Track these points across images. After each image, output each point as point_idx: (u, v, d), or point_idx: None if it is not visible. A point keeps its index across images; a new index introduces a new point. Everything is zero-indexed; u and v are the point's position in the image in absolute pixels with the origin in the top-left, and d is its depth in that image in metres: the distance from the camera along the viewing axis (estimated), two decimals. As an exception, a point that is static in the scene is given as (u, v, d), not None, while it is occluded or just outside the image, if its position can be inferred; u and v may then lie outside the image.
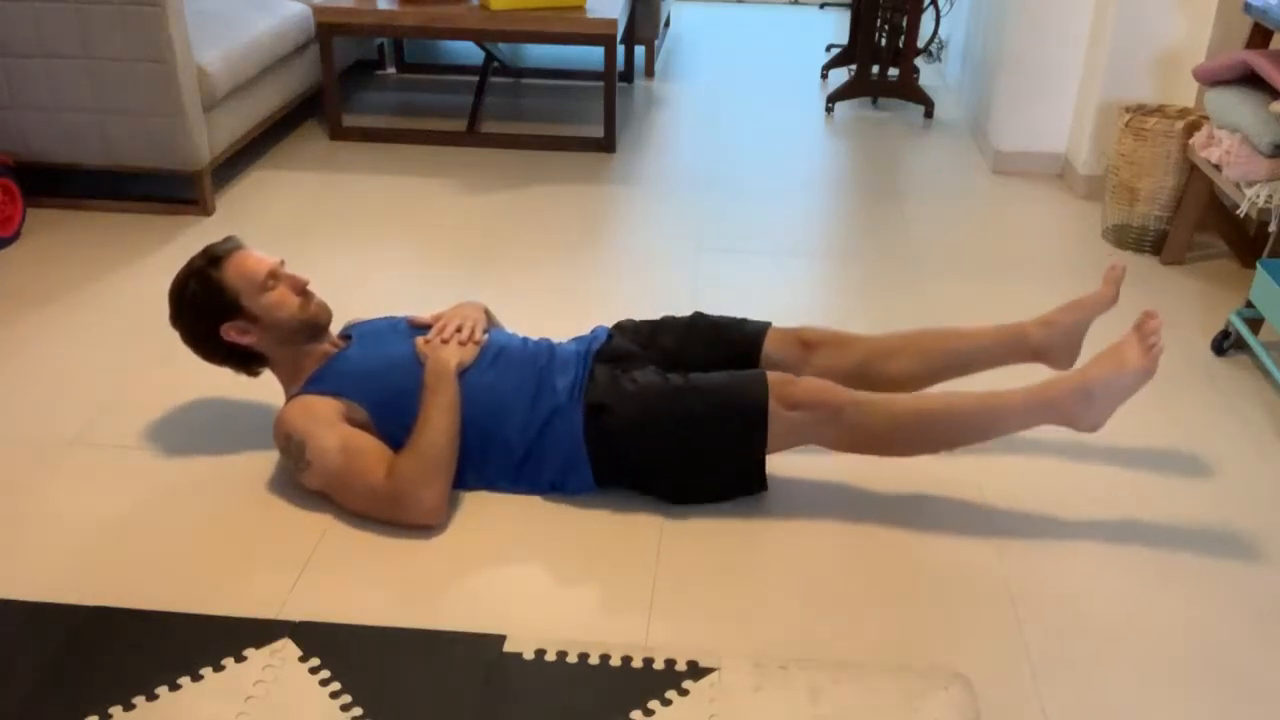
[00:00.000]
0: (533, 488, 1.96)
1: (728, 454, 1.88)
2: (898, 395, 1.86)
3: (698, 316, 2.14)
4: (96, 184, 3.27)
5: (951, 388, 2.01)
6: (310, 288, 1.97)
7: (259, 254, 1.95)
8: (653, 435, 1.87)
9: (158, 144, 3.03)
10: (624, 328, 2.14)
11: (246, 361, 1.99)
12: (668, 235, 3.12)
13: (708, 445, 1.87)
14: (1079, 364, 1.94)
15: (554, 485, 1.96)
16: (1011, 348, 2.02)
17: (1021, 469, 2.08)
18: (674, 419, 1.86)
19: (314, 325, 1.96)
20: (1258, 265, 2.36)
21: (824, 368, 2.03)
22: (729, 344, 2.07)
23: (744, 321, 2.11)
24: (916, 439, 1.86)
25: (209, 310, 1.91)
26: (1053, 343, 2.02)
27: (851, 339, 2.06)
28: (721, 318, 2.13)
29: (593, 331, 2.14)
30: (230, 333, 1.92)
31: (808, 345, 2.05)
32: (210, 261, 1.92)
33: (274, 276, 1.92)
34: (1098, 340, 2.58)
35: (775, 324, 2.12)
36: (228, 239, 1.96)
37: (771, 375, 1.87)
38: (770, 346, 2.06)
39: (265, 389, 2.23)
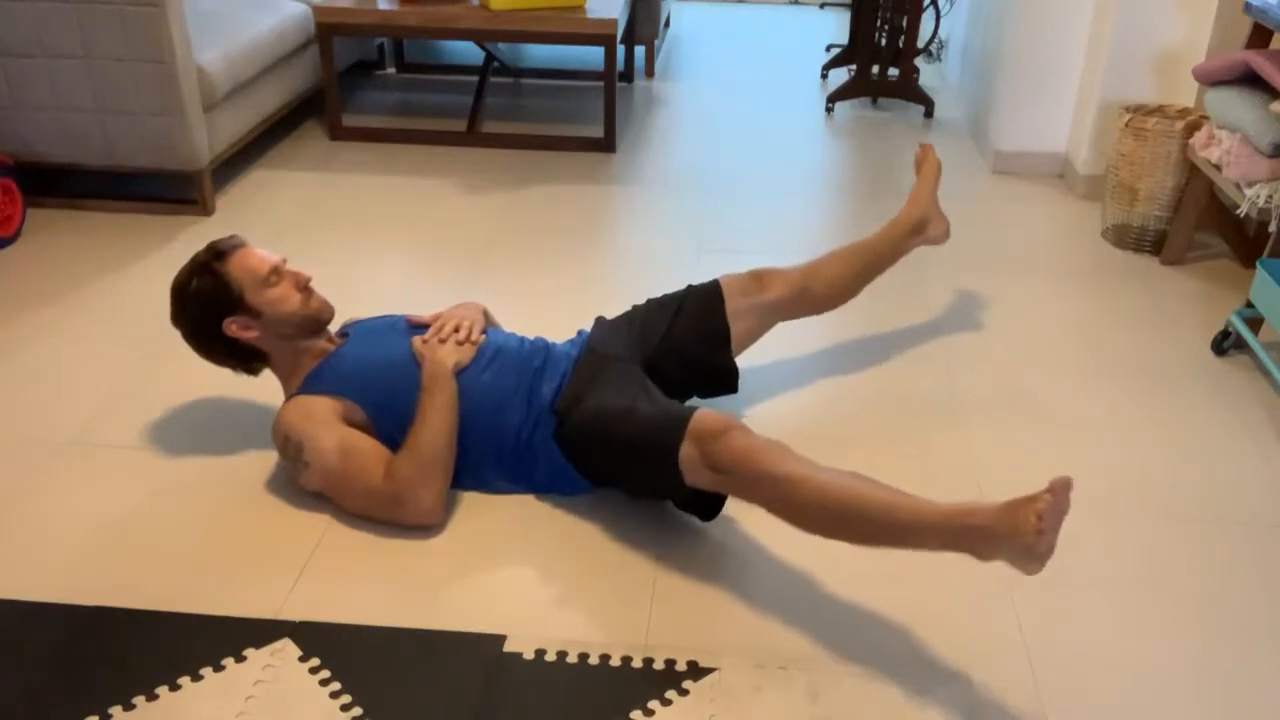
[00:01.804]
0: (529, 488, 1.97)
1: (650, 483, 1.85)
2: (821, 480, 1.64)
3: (656, 299, 2.20)
4: (96, 184, 3.27)
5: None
6: (312, 284, 1.98)
7: (262, 251, 1.95)
8: (593, 451, 1.89)
9: (158, 144, 3.03)
10: (601, 325, 2.15)
11: (247, 359, 1.99)
12: (668, 235, 3.12)
13: (632, 472, 1.86)
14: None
15: (549, 486, 1.96)
16: (900, 231, 2.40)
17: (1021, 469, 2.08)
18: (606, 442, 1.85)
19: (316, 321, 1.97)
20: (1258, 265, 2.36)
21: (777, 289, 2.21)
22: (695, 308, 2.14)
23: (693, 286, 2.20)
24: (831, 529, 1.66)
25: (212, 305, 1.91)
26: (923, 214, 2.43)
27: (791, 266, 2.27)
28: (675, 292, 2.21)
29: (579, 333, 2.15)
30: (233, 328, 1.92)
31: (758, 278, 2.21)
32: (215, 256, 1.92)
33: (277, 272, 1.92)
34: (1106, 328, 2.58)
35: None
36: (231, 237, 1.97)
37: (704, 425, 1.72)
38: (730, 283, 2.19)
39: (265, 389, 2.24)
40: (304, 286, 1.95)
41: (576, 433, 1.90)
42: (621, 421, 1.83)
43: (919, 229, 2.44)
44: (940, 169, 2.52)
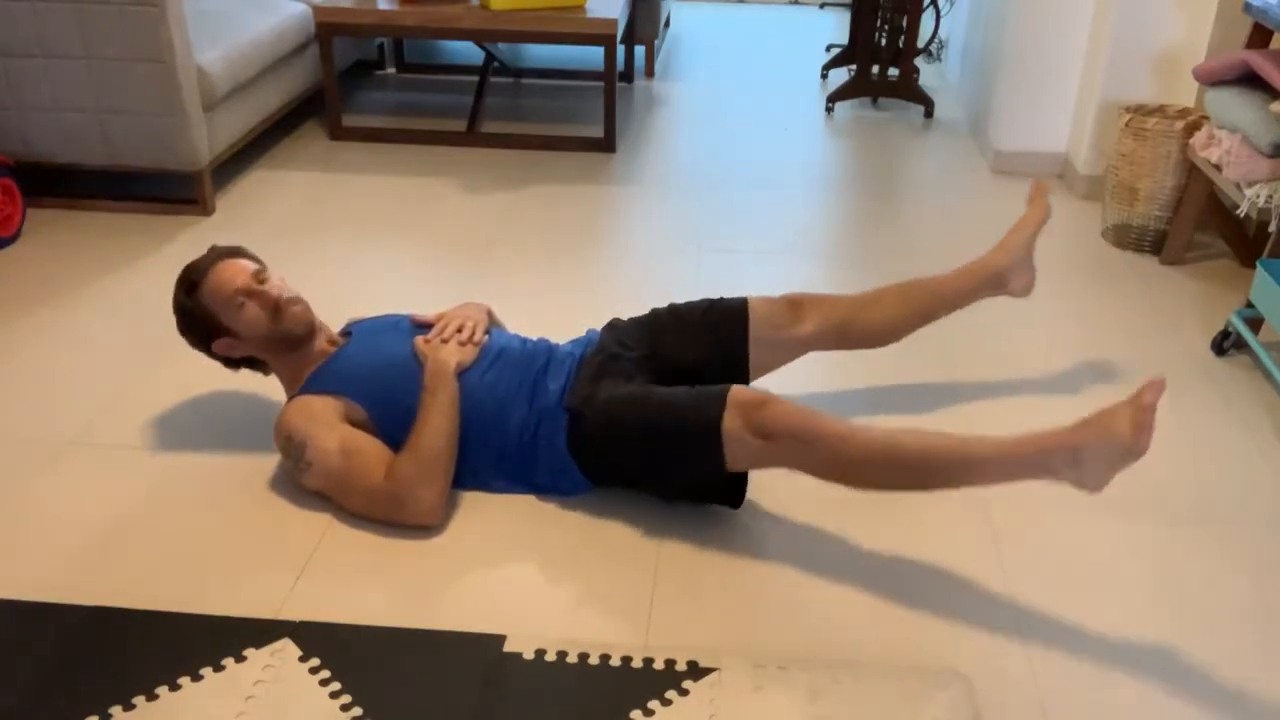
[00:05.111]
0: (530, 488, 1.96)
1: (686, 467, 1.82)
2: (876, 431, 1.71)
3: (679, 307, 2.13)
4: (96, 184, 3.27)
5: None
6: (286, 297, 1.95)
7: (237, 264, 1.95)
8: (619, 443, 1.85)
9: (158, 144, 3.03)
10: (615, 327, 2.13)
11: (251, 365, 2.04)
12: (668, 235, 3.12)
13: (666, 458, 1.82)
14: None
15: (550, 486, 1.96)
16: (978, 280, 2.16)
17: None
18: (636, 429, 1.82)
19: (289, 338, 1.96)
20: (1258, 265, 2.36)
21: (814, 322, 2.07)
22: (716, 324, 2.06)
23: (720, 300, 2.11)
24: (889, 478, 1.72)
25: (199, 332, 1.97)
26: (1010, 264, 2.17)
27: (836, 296, 2.11)
28: (698, 302, 2.13)
29: (587, 333, 2.14)
30: (221, 348, 1.97)
31: (795, 304, 2.09)
32: (187, 290, 1.95)
33: (245, 293, 1.92)
34: (1102, 336, 2.58)
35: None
36: (208, 251, 2.00)
37: (743, 395, 1.74)
38: (760, 309, 2.07)
39: (265, 388, 2.24)
40: (272, 305, 1.93)
41: (598, 423, 1.86)
42: (653, 405, 1.81)
43: (999, 280, 2.15)
44: (1048, 216, 2.21)
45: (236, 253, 2.00)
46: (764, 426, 1.71)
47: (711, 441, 1.73)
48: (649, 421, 1.80)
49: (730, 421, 1.72)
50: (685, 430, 1.76)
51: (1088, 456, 1.58)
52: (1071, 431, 1.60)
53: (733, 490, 1.89)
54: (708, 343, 2.05)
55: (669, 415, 1.79)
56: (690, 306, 2.12)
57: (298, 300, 1.97)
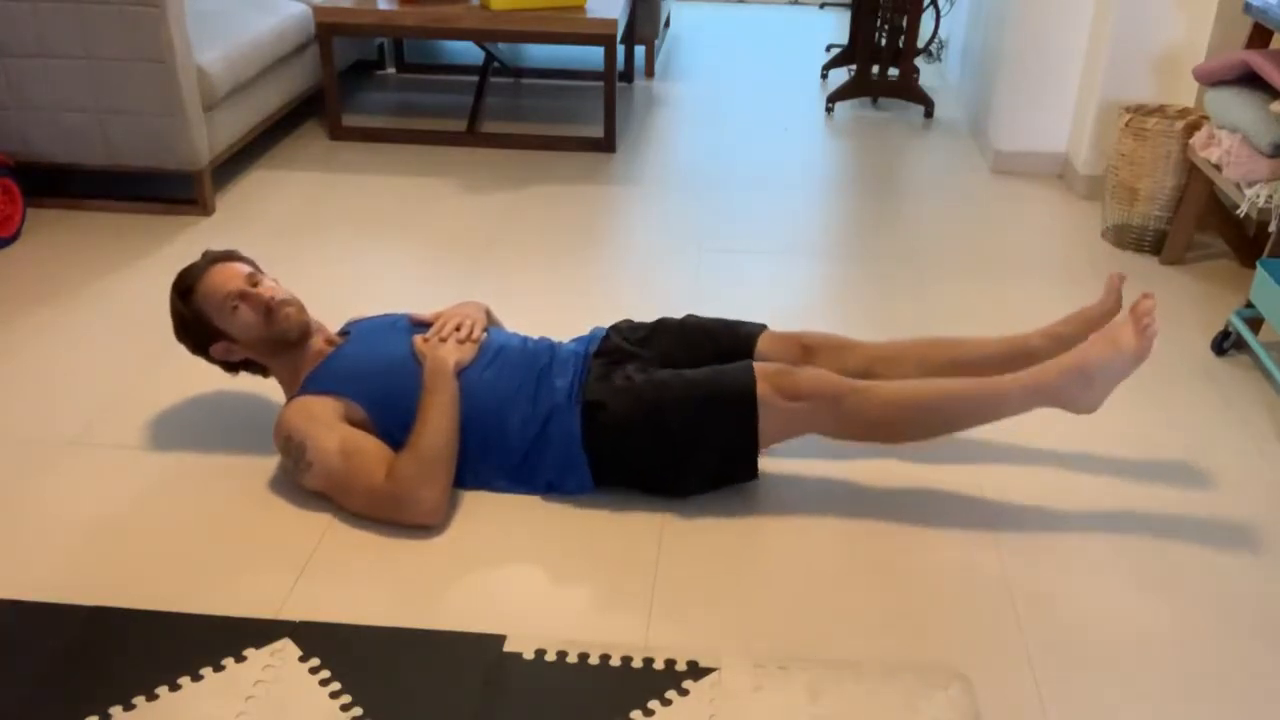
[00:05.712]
0: (531, 488, 1.96)
1: (718, 438, 1.87)
2: (896, 382, 1.87)
3: (691, 319, 2.13)
4: (96, 184, 3.27)
5: None
6: (279, 299, 1.95)
7: (230, 269, 1.96)
8: (645, 426, 1.87)
9: (158, 144, 3.03)
10: (620, 329, 2.13)
11: (249, 368, 2.04)
12: (668, 235, 3.12)
13: (698, 432, 1.86)
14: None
15: (552, 486, 1.95)
16: (1014, 359, 2.01)
17: (1022, 469, 2.08)
18: (664, 407, 1.86)
19: (283, 340, 1.96)
20: (1258, 265, 2.36)
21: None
22: (723, 346, 2.06)
23: (739, 323, 2.12)
24: (915, 425, 1.88)
25: (194, 338, 1.98)
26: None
27: (851, 345, 2.06)
28: (715, 320, 2.13)
29: (591, 332, 2.14)
30: (218, 352, 1.98)
31: (807, 350, 2.06)
32: (182, 295, 1.96)
33: (239, 297, 1.92)
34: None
35: (772, 326, 2.13)
36: (203, 254, 2.00)
37: (767, 365, 1.88)
38: (768, 348, 2.06)
39: (266, 388, 2.24)
40: (265, 308, 1.93)
41: (623, 409, 1.87)
42: (680, 385, 1.88)
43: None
44: (1116, 312, 1.98)
45: (229, 256, 2.00)
46: (794, 388, 1.84)
47: (748, 408, 1.83)
48: (680, 399, 1.86)
49: (762, 387, 1.84)
50: (719, 400, 1.85)
51: (1098, 374, 1.79)
52: (1079, 354, 1.81)
53: (748, 466, 1.92)
54: (707, 364, 2.01)
55: (700, 390, 1.86)
56: (702, 323, 2.12)
57: (291, 302, 1.98)
